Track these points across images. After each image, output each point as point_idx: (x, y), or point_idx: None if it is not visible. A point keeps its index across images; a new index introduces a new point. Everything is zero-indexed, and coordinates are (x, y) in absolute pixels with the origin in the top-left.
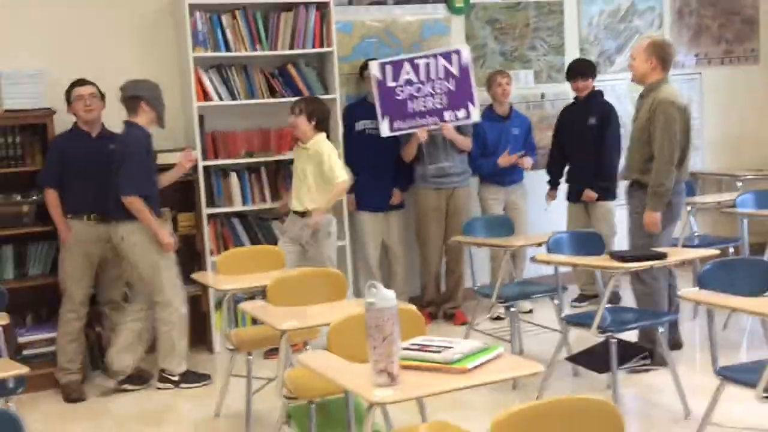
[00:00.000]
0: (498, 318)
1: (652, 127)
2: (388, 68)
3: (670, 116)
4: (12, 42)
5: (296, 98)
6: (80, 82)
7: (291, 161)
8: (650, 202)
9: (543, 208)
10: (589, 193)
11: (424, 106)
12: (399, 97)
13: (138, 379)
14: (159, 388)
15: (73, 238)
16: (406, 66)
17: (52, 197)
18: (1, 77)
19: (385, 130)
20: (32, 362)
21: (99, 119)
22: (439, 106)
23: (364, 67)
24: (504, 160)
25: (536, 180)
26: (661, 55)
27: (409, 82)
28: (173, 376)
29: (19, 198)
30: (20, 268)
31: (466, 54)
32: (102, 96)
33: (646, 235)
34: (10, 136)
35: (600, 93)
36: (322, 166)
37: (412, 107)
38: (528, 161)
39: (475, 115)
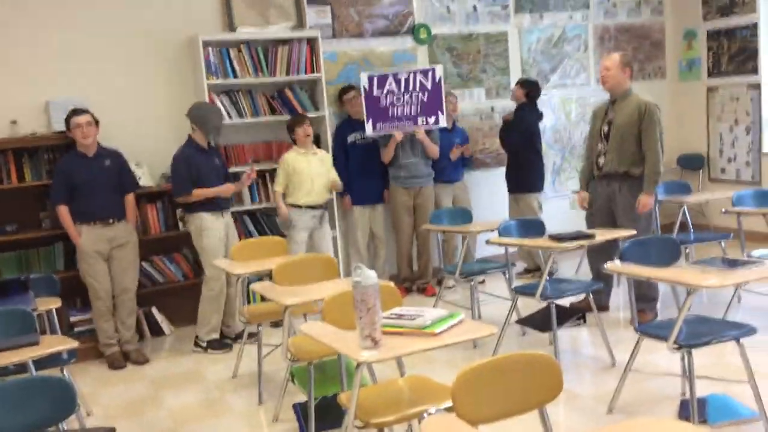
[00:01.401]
0: (452, 287)
1: (643, 124)
2: (375, 80)
3: (657, 116)
4: (57, 74)
5: (301, 115)
6: (77, 112)
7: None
8: (649, 187)
9: (486, 201)
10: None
11: (402, 112)
12: (382, 105)
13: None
14: (193, 351)
15: (84, 241)
16: (390, 79)
17: (63, 212)
18: (50, 105)
19: (369, 130)
20: (82, 337)
21: (95, 143)
22: (414, 113)
23: (342, 92)
24: (454, 154)
25: (474, 179)
26: (631, 65)
27: (391, 92)
28: (203, 342)
29: None
30: (69, 260)
31: (439, 72)
32: (96, 122)
33: (646, 217)
34: (57, 152)
35: (521, 106)
36: (330, 170)
37: (392, 112)
38: (469, 149)
39: (443, 122)
